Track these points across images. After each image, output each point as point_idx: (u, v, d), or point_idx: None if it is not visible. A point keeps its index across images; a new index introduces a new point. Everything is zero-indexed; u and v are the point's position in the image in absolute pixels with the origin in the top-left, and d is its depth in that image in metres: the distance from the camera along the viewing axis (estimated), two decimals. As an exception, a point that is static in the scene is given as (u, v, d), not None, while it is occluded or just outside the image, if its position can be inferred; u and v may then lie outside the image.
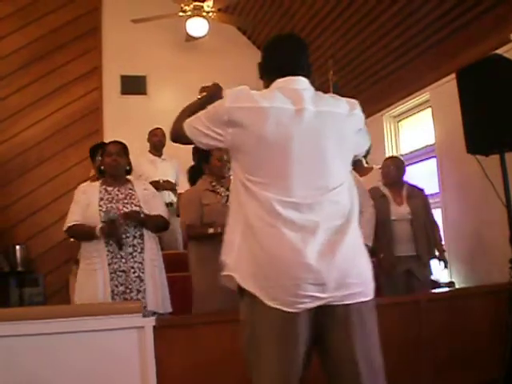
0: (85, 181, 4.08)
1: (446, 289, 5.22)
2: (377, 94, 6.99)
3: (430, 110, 6.30)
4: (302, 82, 2.22)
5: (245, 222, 2.06)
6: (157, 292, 3.60)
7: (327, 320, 2.01)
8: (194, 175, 4.34)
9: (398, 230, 4.70)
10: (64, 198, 7.06)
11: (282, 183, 2.04)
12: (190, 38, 7.28)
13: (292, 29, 7.25)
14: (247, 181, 2.08)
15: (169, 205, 5.78)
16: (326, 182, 2.08)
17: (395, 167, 4.92)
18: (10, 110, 7.13)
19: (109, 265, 3.54)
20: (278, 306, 1.95)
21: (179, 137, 2.31)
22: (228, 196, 3.74)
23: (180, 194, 5.57)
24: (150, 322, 2.99)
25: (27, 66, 7.26)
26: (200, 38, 7.21)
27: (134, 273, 3.55)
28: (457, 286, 5.42)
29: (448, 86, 5.03)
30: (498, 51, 4.40)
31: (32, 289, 6.53)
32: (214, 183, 3.98)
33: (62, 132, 7.32)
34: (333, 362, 2.06)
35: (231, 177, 3.76)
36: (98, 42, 7.75)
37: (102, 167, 3.85)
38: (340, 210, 2.07)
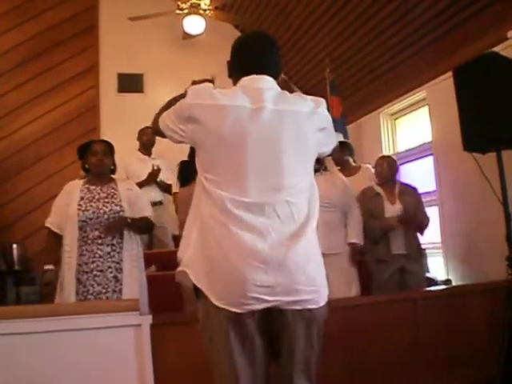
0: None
1: (443, 286, 5.22)
2: (374, 91, 7.00)
3: (426, 107, 6.31)
4: (266, 81, 2.20)
5: (201, 219, 2.06)
6: (133, 293, 3.53)
7: (274, 323, 2.01)
8: (184, 171, 4.35)
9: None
10: (61, 197, 7.07)
11: (235, 182, 2.03)
12: (186, 36, 7.28)
13: (289, 27, 7.26)
14: (204, 178, 2.09)
15: (158, 203, 5.80)
16: (281, 181, 2.06)
17: (388, 166, 4.92)
18: (7, 108, 7.12)
19: (85, 264, 3.54)
20: (224, 306, 1.95)
21: (156, 130, 2.34)
22: None
23: (176, 193, 5.58)
24: (147, 319, 2.99)
25: (24, 63, 7.25)
26: (197, 35, 7.21)
27: (110, 272, 3.55)
28: (454, 284, 5.44)
29: (445, 84, 5.04)
30: (495, 49, 4.41)
31: (29, 287, 6.51)
32: None
33: (59, 130, 7.31)
34: (279, 362, 2.08)
35: None
36: (95, 39, 7.74)
37: (87, 165, 3.83)
38: (295, 212, 2.05)
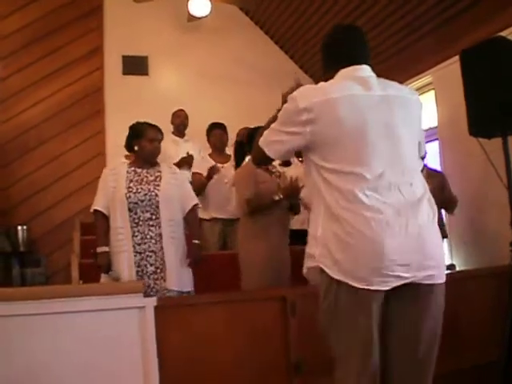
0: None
1: (447, 271, 5.22)
2: (379, 75, 6.93)
3: (432, 92, 6.27)
4: (366, 70, 2.29)
5: (325, 212, 2.12)
6: (175, 272, 3.69)
7: (405, 297, 2.11)
8: (240, 151, 4.55)
9: None
10: (65, 179, 7.09)
11: (361, 168, 2.08)
12: (192, 18, 7.23)
13: (295, 9, 7.20)
14: (326, 172, 2.13)
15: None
16: (404, 163, 2.15)
17: None
18: (12, 90, 7.10)
19: (138, 245, 3.64)
20: (368, 287, 2.02)
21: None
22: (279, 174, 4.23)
23: (195, 173, 5.61)
24: (151, 301, 3.00)
25: (29, 45, 7.22)
26: (202, 18, 7.17)
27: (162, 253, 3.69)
28: (457, 269, 5.44)
29: (451, 69, 5.01)
30: (503, 34, 4.38)
31: (34, 269, 6.56)
32: None
33: (63, 112, 7.30)
34: (395, 336, 2.16)
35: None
36: (99, 21, 7.70)
37: (137, 148, 3.85)
38: (416, 193, 2.14)
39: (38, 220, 6.95)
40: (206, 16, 7.06)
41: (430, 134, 6.39)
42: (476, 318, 3.79)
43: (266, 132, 2.29)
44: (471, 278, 4.09)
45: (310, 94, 2.18)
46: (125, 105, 7.25)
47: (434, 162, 6.17)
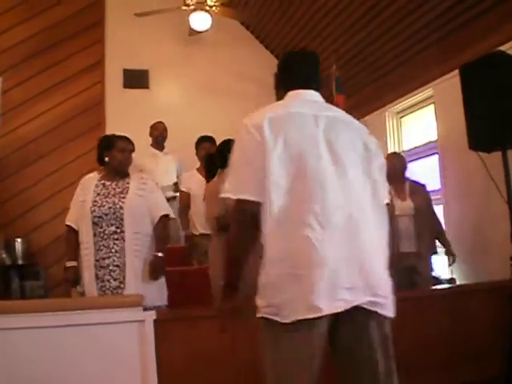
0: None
1: (447, 285, 5.21)
2: (380, 89, 6.97)
3: (433, 106, 6.29)
4: (313, 95, 2.31)
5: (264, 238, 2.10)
6: (136, 286, 3.55)
7: (351, 323, 2.01)
8: (210, 165, 4.49)
9: (401, 226, 4.71)
10: (64, 192, 7.04)
11: (305, 190, 2.01)
12: (193, 32, 7.25)
13: (296, 23, 7.23)
14: (271, 195, 2.05)
15: (171, 199, 5.81)
16: (349, 182, 2.08)
17: (399, 163, 4.93)
18: (13, 103, 7.10)
19: (103, 259, 3.57)
20: (319, 314, 1.93)
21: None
22: None
23: (182, 191, 5.63)
24: (151, 315, 3.00)
25: (30, 58, 7.23)
26: (203, 32, 7.19)
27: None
28: (458, 283, 5.42)
29: (451, 83, 5.02)
30: (502, 48, 4.39)
31: (33, 282, 6.53)
32: None
33: (64, 126, 7.29)
34: (352, 361, 2.07)
35: None
36: (101, 35, 7.72)
37: (107, 159, 3.82)
38: (358, 219, 2.05)
39: (37, 233, 6.93)
40: (207, 30, 7.07)
41: (430, 148, 6.40)
42: (476, 332, 3.78)
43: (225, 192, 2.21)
44: (471, 292, 4.09)
45: (256, 117, 2.24)
46: (125, 118, 7.25)
47: (433, 175, 6.18)
